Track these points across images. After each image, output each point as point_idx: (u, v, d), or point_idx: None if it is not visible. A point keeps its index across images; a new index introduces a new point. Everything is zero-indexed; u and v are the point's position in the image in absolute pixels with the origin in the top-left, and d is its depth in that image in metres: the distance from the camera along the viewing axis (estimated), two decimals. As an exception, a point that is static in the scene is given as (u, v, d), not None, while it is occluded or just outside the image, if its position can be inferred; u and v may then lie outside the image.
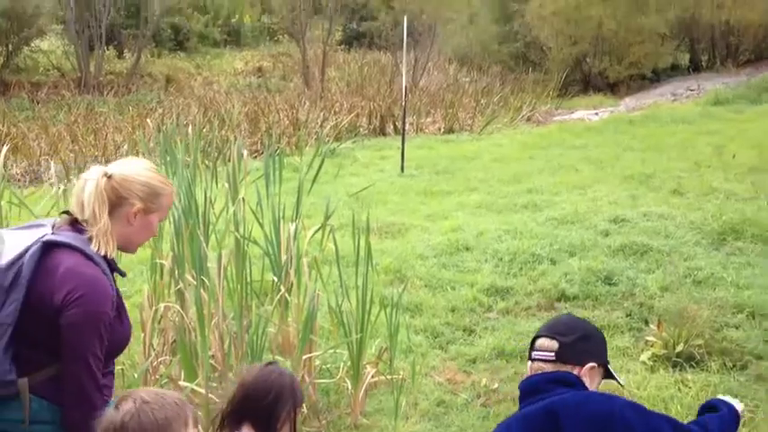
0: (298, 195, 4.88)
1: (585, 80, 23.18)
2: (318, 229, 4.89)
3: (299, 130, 14.55)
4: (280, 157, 5.24)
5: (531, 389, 2.43)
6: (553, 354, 2.44)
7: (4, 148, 5.13)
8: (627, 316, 5.70)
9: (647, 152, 11.92)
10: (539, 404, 2.34)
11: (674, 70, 23.51)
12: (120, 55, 27.40)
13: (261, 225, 4.82)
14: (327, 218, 4.80)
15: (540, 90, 20.93)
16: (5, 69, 23.98)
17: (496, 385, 4.82)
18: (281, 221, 4.76)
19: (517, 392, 4.60)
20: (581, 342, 2.46)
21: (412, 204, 9.45)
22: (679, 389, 4.54)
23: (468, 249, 7.26)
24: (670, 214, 7.87)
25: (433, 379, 4.93)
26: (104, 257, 2.42)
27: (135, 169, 2.49)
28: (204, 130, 12.74)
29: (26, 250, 2.36)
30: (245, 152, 5.78)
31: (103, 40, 24.68)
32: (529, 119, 18.24)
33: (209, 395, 3.95)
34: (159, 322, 4.71)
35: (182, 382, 4.07)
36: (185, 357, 4.06)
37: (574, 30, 22.40)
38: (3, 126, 15.50)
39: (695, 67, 23.43)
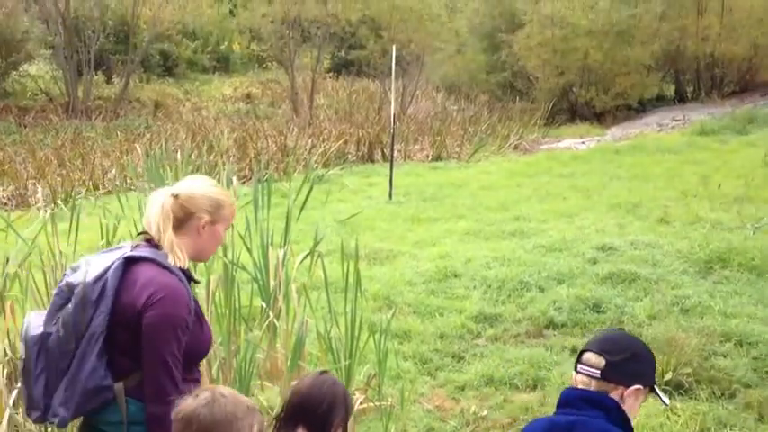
0: (286, 221, 4.87)
1: (572, 110, 23.35)
2: (307, 255, 4.88)
3: (288, 156, 14.57)
4: (268, 183, 5.23)
5: (566, 401, 2.39)
6: (599, 371, 2.36)
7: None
8: (615, 344, 5.69)
9: (634, 181, 12.00)
10: (568, 418, 2.33)
11: (660, 101, 23.74)
12: (108, 80, 27.40)
13: (249, 251, 4.80)
14: (316, 244, 4.80)
15: (528, 119, 21.06)
16: (-7, 94, 24.00)
17: (485, 412, 4.80)
18: (270, 247, 4.74)
19: (505, 419, 4.65)
20: (629, 363, 2.37)
21: (400, 231, 9.45)
22: (668, 417, 4.53)
23: (456, 276, 7.26)
24: (657, 243, 7.90)
25: (421, 406, 4.90)
26: (180, 269, 2.62)
27: (200, 187, 2.74)
28: (192, 156, 12.75)
29: (109, 266, 2.57)
30: (234, 178, 5.78)
31: (92, 66, 24.69)
32: (516, 147, 18.34)
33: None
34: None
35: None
36: (172, 383, 4.02)
37: (560, 60, 22.61)
38: (-10, 150, 15.48)
39: (680, 98, 23.66)
